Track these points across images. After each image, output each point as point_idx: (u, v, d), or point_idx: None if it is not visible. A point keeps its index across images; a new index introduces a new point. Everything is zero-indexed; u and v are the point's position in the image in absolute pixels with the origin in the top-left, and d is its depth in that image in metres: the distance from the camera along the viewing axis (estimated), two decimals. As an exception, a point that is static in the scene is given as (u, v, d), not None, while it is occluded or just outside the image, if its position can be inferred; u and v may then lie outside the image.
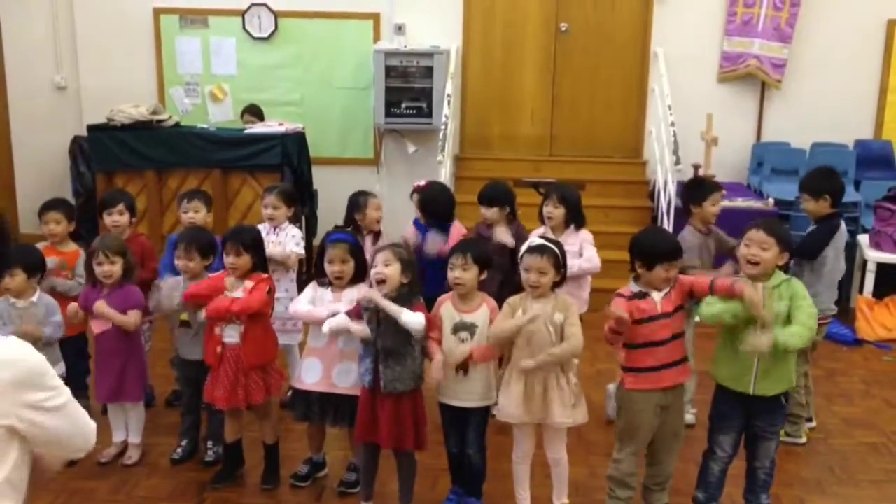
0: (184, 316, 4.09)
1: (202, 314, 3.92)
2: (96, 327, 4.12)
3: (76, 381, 4.50)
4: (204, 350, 3.94)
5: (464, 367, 3.62)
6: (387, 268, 3.48)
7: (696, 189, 4.65)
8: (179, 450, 4.28)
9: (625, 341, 3.50)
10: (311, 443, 4.12)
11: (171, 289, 4.09)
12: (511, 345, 3.60)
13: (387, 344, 3.50)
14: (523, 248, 3.62)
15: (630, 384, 3.54)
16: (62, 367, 4.06)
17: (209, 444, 4.27)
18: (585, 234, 4.58)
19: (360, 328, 3.55)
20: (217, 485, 4.05)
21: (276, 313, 4.51)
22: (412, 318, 3.44)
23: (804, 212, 4.58)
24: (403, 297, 3.51)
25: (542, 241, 3.59)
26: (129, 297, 4.10)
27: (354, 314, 3.60)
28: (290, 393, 4.85)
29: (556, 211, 4.52)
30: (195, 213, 4.76)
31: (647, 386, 3.50)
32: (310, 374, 3.86)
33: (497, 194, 4.69)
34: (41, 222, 4.56)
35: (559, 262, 3.53)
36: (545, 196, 4.62)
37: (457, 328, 3.62)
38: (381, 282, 3.48)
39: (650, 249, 3.47)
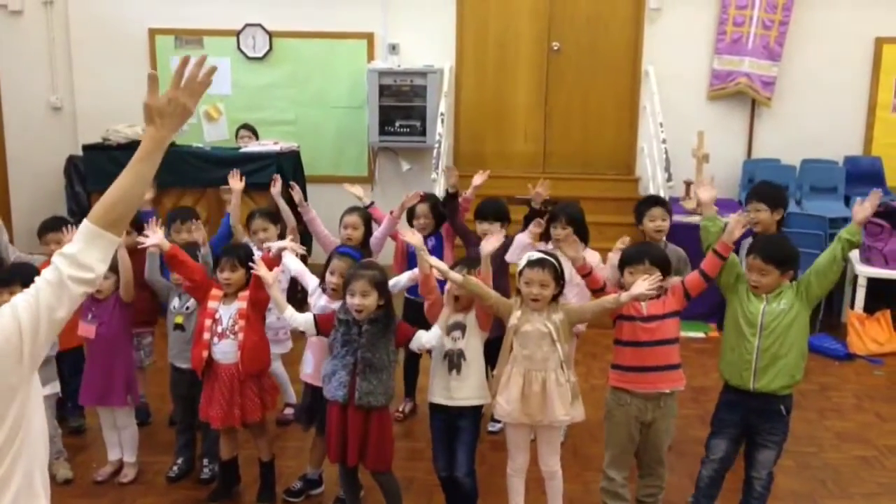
0: (178, 319, 4.13)
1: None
2: (83, 331, 4.12)
3: (71, 398, 4.52)
4: (191, 355, 3.96)
5: (457, 366, 3.66)
6: (365, 299, 3.51)
7: (638, 207, 4.64)
8: (175, 468, 4.29)
9: (614, 336, 3.67)
10: (311, 456, 4.13)
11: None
12: (509, 348, 3.65)
13: (367, 355, 3.53)
14: (522, 261, 3.65)
15: (613, 381, 3.69)
16: (56, 385, 4.09)
17: (205, 461, 4.29)
18: (593, 255, 4.55)
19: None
20: (213, 502, 4.06)
21: (268, 323, 4.56)
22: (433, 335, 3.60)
23: (752, 221, 4.35)
24: (381, 320, 3.55)
25: (541, 255, 3.62)
26: (123, 307, 4.16)
27: (325, 322, 3.66)
28: (285, 410, 4.88)
29: (564, 232, 4.54)
30: (188, 234, 4.76)
31: (625, 385, 3.62)
32: (306, 366, 3.98)
33: (496, 210, 4.73)
34: (41, 242, 4.57)
35: (558, 275, 3.58)
36: (552, 217, 4.64)
37: (451, 328, 3.68)
38: (359, 311, 3.52)
39: (622, 257, 3.71)
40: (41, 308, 1.84)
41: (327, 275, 3.88)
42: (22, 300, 1.84)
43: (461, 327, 3.68)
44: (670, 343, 3.62)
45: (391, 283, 3.66)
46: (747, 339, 3.56)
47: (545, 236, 4.66)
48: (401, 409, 4.95)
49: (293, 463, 4.32)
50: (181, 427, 4.33)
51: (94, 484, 4.21)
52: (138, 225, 4.85)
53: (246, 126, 7.54)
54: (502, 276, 4.37)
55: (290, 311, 3.73)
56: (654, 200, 4.68)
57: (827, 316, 6.81)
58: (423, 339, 3.61)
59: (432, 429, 3.84)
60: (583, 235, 4.59)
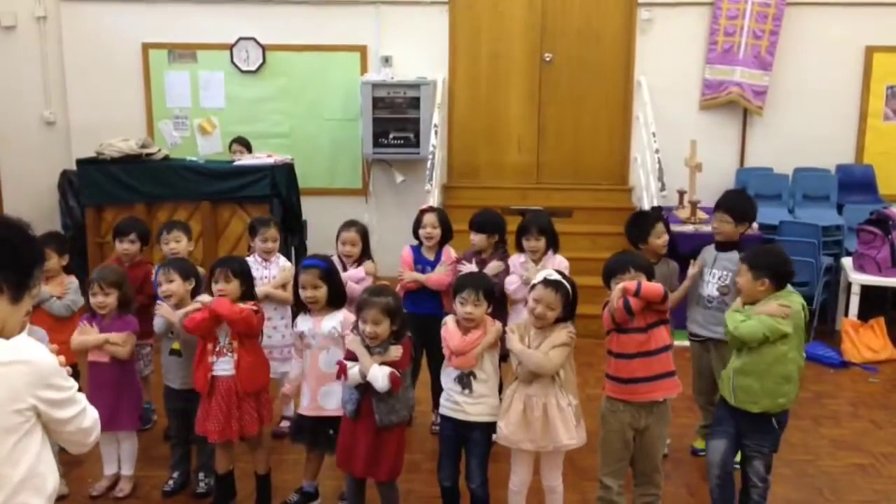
0: (176, 345, 4.12)
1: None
2: (92, 356, 4.12)
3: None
4: (193, 377, 3.95)
5: (468, 385, 3.65)
6: (378, 326, 3.51)
7: (638, 225, 4.57)
8: (171, 482, 4.27)
9: (606, 347, 3.67)
10: (306, 468, 4.12)
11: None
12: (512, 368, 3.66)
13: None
14: (537, 278, 3.64)
15: (608, 391, 3.69)
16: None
17: (200, 475, 4.26)
18: (562, 261, 4.61)
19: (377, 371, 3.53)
20: (209, 516, 4.05)
21: (273, 342, 4.58)
22: (375, 378, 3.46)
23: (715, 231, 4.42)
24: (384, 344, 3.55)
25: (559, 277, 3.61)
26: (126, 326, 4.13)
27: (349, 357, 3.62)
28: (282, 423, 4.87)
29: (538, 243, 4.61)
30: (176, 244, 4.80)
31: (619, 395, 3.62)
32: (304, 399, 3.94)
33: (488, 221, 4.75)
34: None
35: (569, 301, 3.59)
36: (523, 229, 4.66)
37: None
38: (373, 338, 3.52)
39: (604, 269, 3.72)
40: (74, 423, 2.15)
41: (300, 291, 3.88)
42: (84, 404, 2.20)
43: None
44: (660, 352, 3.60)
45: (370, 375, 3.48)
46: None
47: (518, 248, 4.68)
48: (397, 422, 4.94)
49: (289, 476, 4.31)
50: (176, 441, 4.31)
51: (89, 499, 4.19)
52: (143, 238, 4.91)
53: (238, 140, 7.56)
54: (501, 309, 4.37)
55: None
56: (657, 216, 4.65)
57: (821, 324, 6.83)
58: (370, 374, 3.49)
59: (441, 437, 3.84)
60: (553, 243, 4.65)
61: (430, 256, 4.83)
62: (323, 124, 8.16)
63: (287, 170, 7.01)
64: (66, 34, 8.09)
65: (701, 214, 7.06)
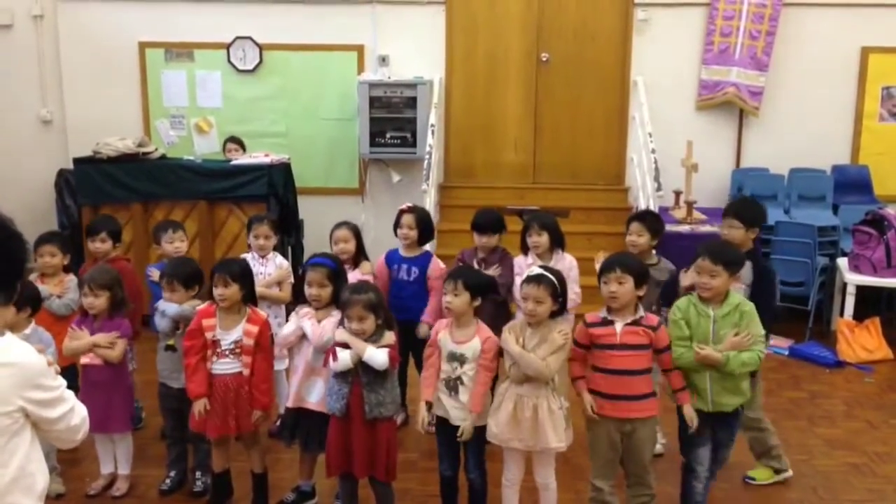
0: (170, 341, 4.12)
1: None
2: (84, 358, 4.13)
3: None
4: (187, 382, 3.92)
5: (454, 389, 3.67)
6: (363, 323, 3.54)
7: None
8: (168, 481, 4.27)
9: (590, 363, 3.66)
10: (301, 467, 4.12)
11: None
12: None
13: (369, 370, 3.55)
14: (522, 276, 3.66)
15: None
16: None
17: (197, 474, 4.27)
18: (571, 260, 4.63)
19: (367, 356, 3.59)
20: (206, 515, 4.05)
21: None
22: (374, 357, 3.53)
23: (726, 238, 4.32)
24: (377, 333, 3.59)
25: (540, 271, 3.63)
26: (116, 328, 4.13)
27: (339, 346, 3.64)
28: (277, 422, 4.88)
29: (540, 239, 4.63)
30: (181, 243, 4.82)
31: (600, 411, 3.58)
32: (291, 392, 3.97)
33: (493, 221, 4.76)
34: (35, 255, 4.57)
35: (557, 292, 3.57)
36: (526, 226, 4.68)
37: (450, 357, 3.71)
38: (359, 334, 3.56)
39: (599, 270, 3.68)
40: (63, 421, 2.15)
41: (305, 288, 3.89)
42: (72, 402, 2.20)
43: (459, 359, 3.69)
44: (640, 373, 3.56)
45: (366, 356, 3.54)
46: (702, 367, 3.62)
47: (524, 247, 4.70)
48: (393, 420, 4.95)
49: (286, 475, 4.32)
50: (172, 440, 4.31)
51: (86, 498, 4.20)
52: (114, 235, 4.91)
53: (233, 139, 7.57)
54: (502, 317, 4.37)
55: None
56: (637, 215, 4.70)
57: (817, 324, 6.85)
58: (366, 355, 3.56)
59: (437, 433, 3.86)
60: (560, 240, 4.67)
61: (408, 255, 4.85)
62: (320, 124, 8.15)
63: (284, 169, 7.02)
64: (63, 33, 8.09)
65: (697, 215, 7.08)
